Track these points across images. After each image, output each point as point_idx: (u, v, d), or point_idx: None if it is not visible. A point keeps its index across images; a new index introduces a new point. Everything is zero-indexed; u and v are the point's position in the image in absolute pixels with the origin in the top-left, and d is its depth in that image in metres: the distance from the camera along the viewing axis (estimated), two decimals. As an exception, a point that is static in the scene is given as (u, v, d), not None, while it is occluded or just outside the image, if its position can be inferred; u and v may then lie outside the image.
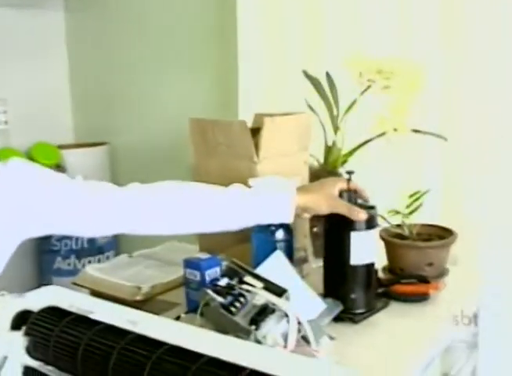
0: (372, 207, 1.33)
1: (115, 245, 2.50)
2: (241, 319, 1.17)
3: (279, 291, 1.19)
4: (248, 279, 1.23)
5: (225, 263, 1.47)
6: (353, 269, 1.31)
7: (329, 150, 1.63)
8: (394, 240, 1.52)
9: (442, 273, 1.53)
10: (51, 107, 2.68)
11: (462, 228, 1.68)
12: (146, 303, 1.51)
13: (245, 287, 1.21)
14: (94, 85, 2.79)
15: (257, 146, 1.42)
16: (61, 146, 2.56)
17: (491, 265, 1.71)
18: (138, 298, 1.49)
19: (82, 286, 1.61)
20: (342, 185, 1.34)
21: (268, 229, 1.38)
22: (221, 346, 0.98)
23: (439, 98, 1.75)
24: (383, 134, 1.50)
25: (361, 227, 1.30)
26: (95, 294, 1.59)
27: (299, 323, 1.16)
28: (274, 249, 1.37)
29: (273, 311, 1.16)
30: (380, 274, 1.52)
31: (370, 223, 1.31)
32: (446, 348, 1.50)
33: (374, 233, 1.33)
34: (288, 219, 1.32)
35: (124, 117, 2.68)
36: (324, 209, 1.31)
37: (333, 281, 1.35)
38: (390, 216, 1.59)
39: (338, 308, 1.32)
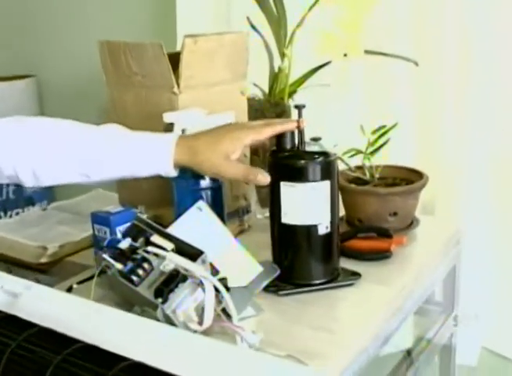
0: (324, 155, 1.12)
1: (48, 195, 2.31)
2: (145, 290, 1.02)
3: (194, 253, 1.02)
4: (156, 239, 1.06)
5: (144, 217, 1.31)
6: (285, 228, 1.13)
7: (275, 77, 1.43)
8: (349, 186, 1.34)
9: (410, 225, 1.36)
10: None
11: (439, 170, 1.51)
12: (53, 266, 1.34)
13: (151, 249, 1.04)
14: (16, 14, 2.58)
15: (177, 74, 1.22)
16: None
17: (471, 214, 1.53)
18: (44, 260, 1.33)
19: (-18, 246, 1.44)
20: (254, 137, 1.12)
21: (190, 175, 1.20)
22: (102, 329, 0.84)
23: (409, 17, 1.54)
24: (329, 62, 1.29)
25: (306, 178, 1.10)
26: (-1, 256, 1.42)
27: (217, 292, 0.99)
28: (198, 199, 1.19)
29: (185, 279, 0.99)
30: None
31: (323, 174, 1.10)
32: (418, 310, 1.35)
33: (325, 187, 1.11)
34: (170, 174, 1.14)
35: (51, 47, 2.48)
36: (209, 175, 1.15)
37: (272, 241, 1.18)
38: (348, 157, 1.40)
39: (275, 272, 1.15)
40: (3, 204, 2.19)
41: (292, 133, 1.12)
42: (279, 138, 1.13)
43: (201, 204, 1.16)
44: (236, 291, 1.11)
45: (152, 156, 1.11)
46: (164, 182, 1.27)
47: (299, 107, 1.13)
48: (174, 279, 0.99)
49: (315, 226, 1.12)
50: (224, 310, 1.01)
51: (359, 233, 1.29)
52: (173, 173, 1.13)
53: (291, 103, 1.43)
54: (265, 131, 1.11)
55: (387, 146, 1.41)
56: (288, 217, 1.12)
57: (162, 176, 1.14)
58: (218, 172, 1.11)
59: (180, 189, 1.22)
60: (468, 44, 1.47)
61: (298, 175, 1.10)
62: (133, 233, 1.08)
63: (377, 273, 1.21)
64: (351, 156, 1.40)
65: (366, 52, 1.32)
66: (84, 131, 1.13)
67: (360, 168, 1.40)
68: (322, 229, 1.12)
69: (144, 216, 1.30)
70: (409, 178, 1.38)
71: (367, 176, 1.38)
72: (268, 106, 1.40)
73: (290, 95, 1.43)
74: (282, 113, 1.40)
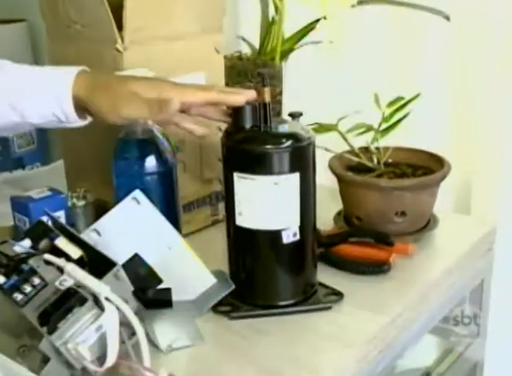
0: (294, 138, 0.86)
1: (41, 156, 2.11)
2: (32, 313, 0.79)
3: (104, 266, 0.80)
4: (61, 243, 0.83)
5: (79, 202, 1.08)
6: (241, 233, 0.89)
7: (267, 30, 1.16)
8: (346, 174, 1.08)
9: (424, 227, 1.09)
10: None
11: (474, 155, 1.22)
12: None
13: (48, 257, 0.80)
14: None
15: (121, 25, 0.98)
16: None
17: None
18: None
19: None
20: (180, 98, 0.84)
21: (132, 154, 0.96)
22: None
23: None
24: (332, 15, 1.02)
25: (267, 169, 0.85)
26: None
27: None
28: (141, 187, 0.95)
29: (83, 301, 0.76)
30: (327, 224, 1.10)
31: (291, 164, 0.86)
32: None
33: (293, 182, 0.86)
34: (69, 113, 0.88)
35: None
36: (109, 116, 0.86)
37: (228, 246, 0.94)
38: (357, 134, 1.13)
39: (228, 287, 0.91)
40: (-11, 165, 2.00)
41: (254, 107, 0.87)
42: (236, 113, 0.87)
43: (138, 194, 0.93)
44: (179, 307, 0.90)
45: (45, 85, 0.87)
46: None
47: (262, 74, 0.87)
48: (69, 300, 0.77)
49: (278, 233, 0.87)
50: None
51: (350, 237, 1.03)
52: (72, 113, 0.87)
53: (284, 64, 1.17)
54: (193, 95, 0.85)
55: (408, 123, 1.13)
56: (244, 219, 0.88)
57: (64, 123, 0.90)
58: (115, 106, 0.85)
59: (119, 171, 0.99)
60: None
61: (256, 165, 0.86)
62: (37, 232, 0.86)
63: (367, 293, 0.96)
64: (360, 133, 1.13)
65: (362, 2, 1.03)
66: None
67: (366, 149, 1.13)
68: (288, 237, 0.88)
69: (81, 203, 1.09)
70: (428, 166, 1.12)
71: (374, 162, 1.11)
72: (253, 68, 1.13)
73: (284, 55, 1.16)
74: (270, 77, 1.13)
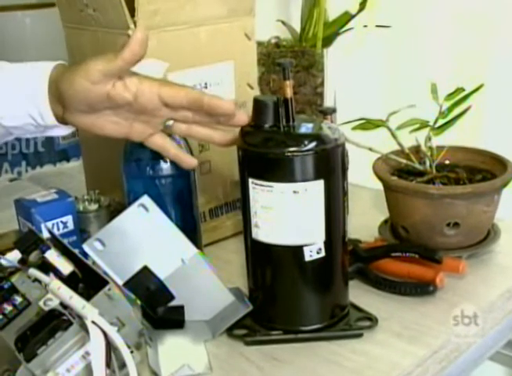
0: (319, 139, 0.78)
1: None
2: (12, 335, 0.75)
3: (101, 284, 0.74)
4: (52, 256, 0.78)
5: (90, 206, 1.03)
6: (258, 248, 0.82)
7: (310, 13, 1.08)
8: (390, 179, 0.99)
9: (481, 241, 1.00)
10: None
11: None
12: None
13: (33, 272, 0.75)
14: None
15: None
16: (23, 6, 2.16)
17: None
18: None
19: None
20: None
21: (144, 155, 0.90)
22: None
23: None
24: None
25: (286, 176, 0.77)
26: None
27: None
28: (154, 191, 0.90)
29: (68, 324, 0.71)
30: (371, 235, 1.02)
31: (315, 170, 0.78)
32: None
33: (317, 190, 0.78)
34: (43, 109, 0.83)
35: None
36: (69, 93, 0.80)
37: (246, 262, 0.87)
38: (410, 132, 1.04)
39: (245, 308, 0.85)
40: (30, 157, 1.98)
41: (274, 103, 0.79)
42: (255, 110, 0.80)
43: (145, 200, 0.87)
44: (191, 328, 0.85)
45: (18, 81, 0.83)
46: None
47: (283, 65, 0.79)
48: (49, 323, 0.71)
49: (300, 249, 0.79)
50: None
51: (392, 251, 0.94)
52: (48, 112, 0.83)
53: (327, 51, 1.08)
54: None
55: (471, 120, 1.04)
56: (261, 232, 0.81)
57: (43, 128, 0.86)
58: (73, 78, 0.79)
59: (129, 174, 0.93)
60: None
61: (272, 171, 0.78)
62: (27, 243, 0.80)
63: (407, 318, 0.87)
64: (413, 130, 1.04)
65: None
66: None
67: (417, 148, 1.04)
68: (312, 253, 0.80)
69: (93, 207, 1.03)
70: (490, 170, 1.02)
71: (426, 164, 1.02)
72: (291, 56, 1.06)
73: (327, 41, 1.08)
74: (310, 66, 1.06)
